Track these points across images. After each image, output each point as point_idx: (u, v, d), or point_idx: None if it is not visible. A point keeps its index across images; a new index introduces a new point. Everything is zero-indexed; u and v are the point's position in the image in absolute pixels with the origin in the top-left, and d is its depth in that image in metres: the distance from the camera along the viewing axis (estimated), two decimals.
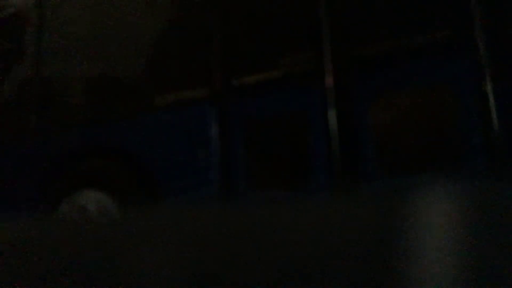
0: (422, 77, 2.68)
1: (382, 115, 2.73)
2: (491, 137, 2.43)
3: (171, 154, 3.13)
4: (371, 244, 0.70)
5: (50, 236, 0.86)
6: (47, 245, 0.85)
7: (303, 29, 2.97)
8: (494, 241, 0.68)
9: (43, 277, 0.81)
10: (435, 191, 0.75)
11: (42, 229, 0.87)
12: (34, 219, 0.91)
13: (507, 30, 2.51)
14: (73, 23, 3.68)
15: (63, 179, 3.30)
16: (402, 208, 0.73)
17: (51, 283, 0.81)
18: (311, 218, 0.76)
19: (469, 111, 2.52)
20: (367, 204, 0.76)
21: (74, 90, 3.57)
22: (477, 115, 2.50)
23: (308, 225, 0.75)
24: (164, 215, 0.96)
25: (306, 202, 0.79)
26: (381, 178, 2.63)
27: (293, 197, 2.75)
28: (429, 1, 2.72)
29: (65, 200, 3.24)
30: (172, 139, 3.14)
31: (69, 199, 3.24)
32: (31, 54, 3.77)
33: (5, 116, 3.73)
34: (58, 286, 0.80)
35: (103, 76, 3.48)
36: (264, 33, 3.07)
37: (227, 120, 3.03)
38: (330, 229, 0.74)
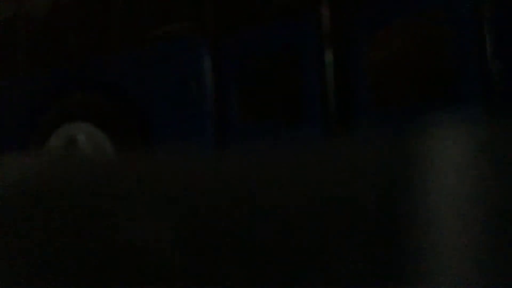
0: (415, 5, 2.63)
1: (377, 49, 2.70)
2: (488, 66, 2.40)
3: (163, 89, 3.10)
4: (375, 192, 0.68)
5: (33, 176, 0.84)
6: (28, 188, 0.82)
7: None
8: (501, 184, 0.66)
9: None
10: (436, 132, 0.73)
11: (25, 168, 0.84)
12: (18, 156, 0.88)
13: None
14: None
15: (54, 113, 3.28)
16: (405, 150, 0.71)
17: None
18: (311, 164, 0.74)
19: (464, 39, 2.47)
20: (367, 147, 0.74)
21: (63, 25, 3.50)
22: (473, 42, 2.45)
23: (307, 173, 0.73)
24: (157, 160, 0.94)
25: (303, 147, 0.77)
26: (377, 115, 2.61)
27: (287, 136, 2.74)
28: None
29: (55, 133, 3.22)
30: (164, 73, 3.10)
31: (59, 131, 3.22)
32: None
33: None
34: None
35: (94, 9, 3.41)
36: None
37: (220, 54, 2.98)
38: (330, 177, 0.72)
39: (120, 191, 0.81)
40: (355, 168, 0.72)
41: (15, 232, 0.75)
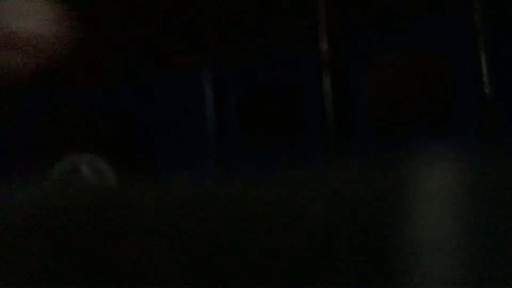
0: (415, 40, 2.66)
1: (377, 78, 2.72)
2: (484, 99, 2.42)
3: (167, 117, 3.12)
4: (373, 211, 0.70)
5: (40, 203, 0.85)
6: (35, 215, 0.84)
7: None
8: (496, 204, 0.68)
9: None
10: (432, 156, 0.75)
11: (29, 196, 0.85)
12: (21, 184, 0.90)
13: None
14: None
15: (57, 142, 3.29)
16: (400, 173, 0.73)
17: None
18: (312, 188, 0.76)
19: (462, 73, 2.50)
20: (365, 170, 0.76)
21: (70, 53, 3.53)
22: (471, 77, 2.48)
23: (309, 196, 0.75)
24: (161, 188, 0.95)
25: (304, 171, 0.78)
26: (376, 142, 2.63)
27: (287, 164, 2.75)
28: None
29: (59, 163, 3.23)
30: (168, 102, 3.12)
31: (63, 161, 3.23)
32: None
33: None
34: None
35: (100, 38, 3.45)
36: None
37: (222, 84, 3.01)
38: (331, 199, 0.74)
39: (121, 217, 0.82)
40: (350, 195, 0.74)
41: (18, 253, 0.76)
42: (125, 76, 3.28)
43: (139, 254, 0.76)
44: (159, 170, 2.98)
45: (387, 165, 0.81)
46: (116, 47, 3.36)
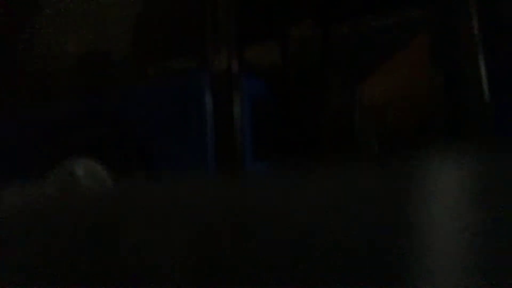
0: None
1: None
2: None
3: (164, 123, 3.11)
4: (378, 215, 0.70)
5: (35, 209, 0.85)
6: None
7: None
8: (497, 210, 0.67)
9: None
10: (436, 162, 0.75)
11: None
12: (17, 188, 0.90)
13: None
14: None
15: (54, 147, 3.28)
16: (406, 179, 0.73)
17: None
18: (317, 190, 0.75)
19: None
20: (371, 176, 0.76)
21: (67, 58, 3.53)
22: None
23: (314, 198, 0.75)
24: (159, 187, 0.94)
25: (309, 174, 0.78)
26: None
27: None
28: None
29: (55, 167, 3.23)
30: (165, 108, 3.11)
31: (59, 166, 3.22)
32: (24, 28, 3.72)
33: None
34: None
35: (96, 44, 3.45)
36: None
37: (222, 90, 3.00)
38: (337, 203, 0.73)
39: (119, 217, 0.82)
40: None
41: (17, 251, 0.76)
42: (124, 81, 3.28)
43: (137, 256, 0.75)
44: (157, 173, 2.97)
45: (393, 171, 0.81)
46: (113, 52, 3.36)
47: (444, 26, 2.50)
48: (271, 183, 0.81)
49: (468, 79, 2.46)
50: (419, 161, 0.78)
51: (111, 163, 3.09)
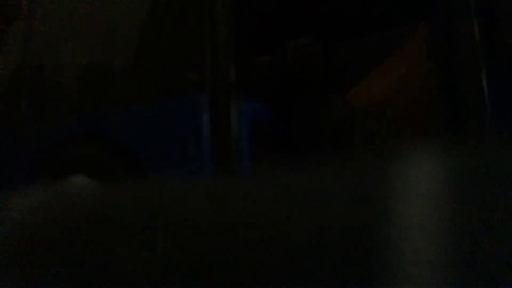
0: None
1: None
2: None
3: (161, 144, 3.10)
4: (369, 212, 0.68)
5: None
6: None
7: None
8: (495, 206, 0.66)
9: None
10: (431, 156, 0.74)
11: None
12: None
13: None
14: (61, 11, 3.64)
15: (50, 167, 3.27)
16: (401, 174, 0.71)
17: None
18: (309, 187, 0.74)
19: None
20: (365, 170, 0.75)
21: (63, 79, 3.54)
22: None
23: (306, 196, 0.73)
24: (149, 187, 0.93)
25: (300, 171, 0.77)
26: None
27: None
28: None
29: (52, 186, 3.20)
30: (163, 129, 3.10)
31: (54, 187, 3.20)
32: (20, 42, 3.73)
33: None
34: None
35: (93, 64, 3.45)
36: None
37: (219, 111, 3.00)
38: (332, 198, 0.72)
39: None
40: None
41: (19, 259, 0.75)
42: (122, 102, 3.28)
43: (135, 258, 0.74)
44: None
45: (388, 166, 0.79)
46: (111, 74, 3.36)
47: (443, 27, 2.50)
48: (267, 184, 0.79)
49: (468, 79, 2.45)
50: (418, 161, 0.76)
51: (107, 184, 3.07)
